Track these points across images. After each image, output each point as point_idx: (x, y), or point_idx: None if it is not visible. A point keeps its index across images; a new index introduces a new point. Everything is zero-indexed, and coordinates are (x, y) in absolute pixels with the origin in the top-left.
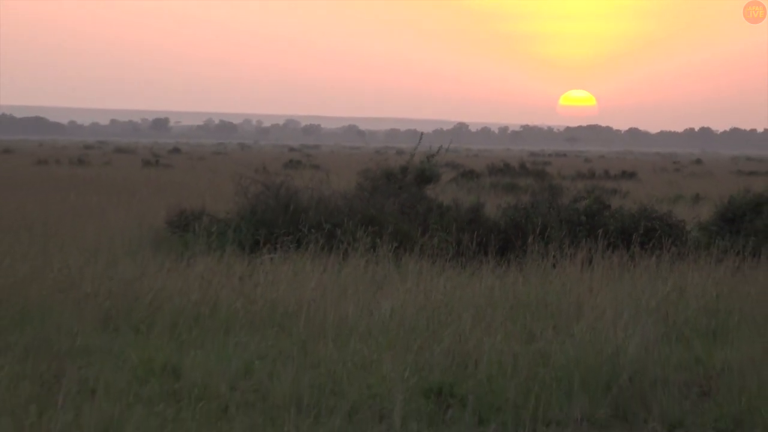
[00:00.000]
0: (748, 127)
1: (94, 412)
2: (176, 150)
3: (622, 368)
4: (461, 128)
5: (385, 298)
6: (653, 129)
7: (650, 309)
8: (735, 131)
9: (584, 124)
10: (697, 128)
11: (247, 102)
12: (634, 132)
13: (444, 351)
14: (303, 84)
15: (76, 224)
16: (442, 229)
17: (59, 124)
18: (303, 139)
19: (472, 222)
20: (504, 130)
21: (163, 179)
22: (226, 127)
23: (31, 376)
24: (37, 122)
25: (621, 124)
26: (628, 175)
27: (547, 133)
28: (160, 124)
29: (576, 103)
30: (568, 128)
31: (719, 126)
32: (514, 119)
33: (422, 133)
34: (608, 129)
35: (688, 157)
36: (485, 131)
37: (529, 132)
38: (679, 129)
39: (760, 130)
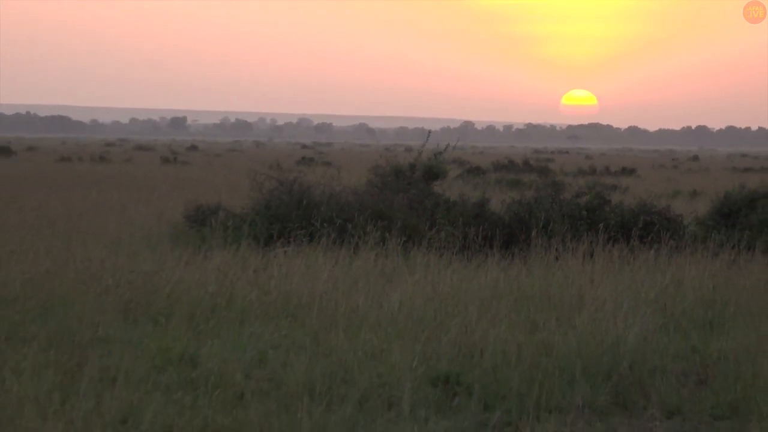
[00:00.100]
0: (743, 126)
1: (114, 400)
2: (194, 147)
3: (622, 357)
4: (467, 126)
5: (394, 290)
6: (652, 127)
7: (649, 300)
8: (731, 129)
9: (585, 122)
10: (694, 126)
11: (261, 101)
12: (633, 130)
13: (451, 341)
14: (315, 84)
15: (98, 219)
16: (448, 224)
17: (81, 123)
18: (315, 137)
19: (478, 216)
20: (508, 128)
21: (181, 176)
22: (241, 125)
23: (54, 365)
24: (60, 121)
25: (621, 123)
26: (628, 171)
27: (550, 131)
28: (178, 122)
29: (577, 103)
30: (570, 126)
31: (715, 124)
32: (518, 118)
33: (430, 131)
34: (608, 127)
35: (685, 155)
36: (490, 129)
37: (532, 130)
38: (677, 127)
39: (754, 128)
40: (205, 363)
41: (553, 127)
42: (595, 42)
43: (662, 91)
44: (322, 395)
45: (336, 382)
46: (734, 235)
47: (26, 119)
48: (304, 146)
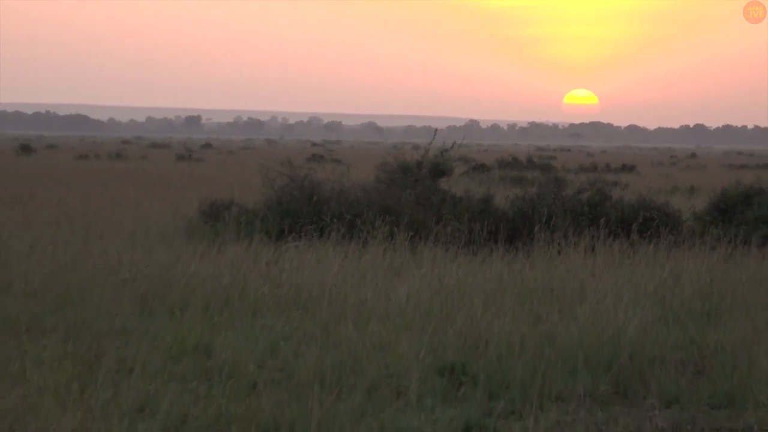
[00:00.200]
0: (739, 124)
1: (131, 389)
2: (208, 145)
3: (623, 348)
4: (473, 125)
5: (401, 283)
6: (651, 125)
7: (648, 293)
8: (727, 128)
9: (587, 121)
10: (692, 125)
11: (273, 100)
12: (633, 128)
13: (457, 332)
14: (325, 84)
15: (115, 215)
16: (454, 219)
17: (99, 121)
18: (325, 135)
19: (483, 212)
20: (512, 126)
21: (195, 173)
22: (254, 123)
23: (73, 355)
24: (79, 119)
25: (621, 121)
26: (628, 168)
27: (553, 130)
28: (193, 121)
29: (579, 102)
30: (572, 125)
31: (712, 123)
32: (522, 116)
33: (436, 130)
34: (609, 125)
35: (683, 152)
36: (495, 128)
37: (535, 128)
38: (675, 125)
39: (750, 126)
40: (219, 353)
41: (555, 126)
42: (595, 43)
43: (661, 91)
44: (332, 385)
45: (345, 372)
46: (731, 230)
47: (46, 118)
48: (314, 144)
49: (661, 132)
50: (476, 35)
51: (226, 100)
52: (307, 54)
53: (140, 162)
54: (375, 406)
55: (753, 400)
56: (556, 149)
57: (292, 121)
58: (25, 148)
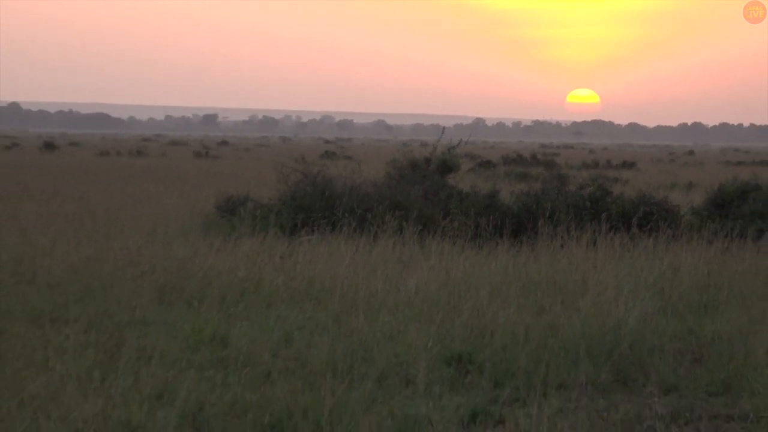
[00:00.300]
0: (736, 122)
1: (150, 377)
2: (224, 143)
3: (623, 338)
4: (479, 123)
5: (410, 276)
6: (651, 124)
7: (648, 285)
8: (724, 126)
9: (589, 119)
10: (690, 123)
11: (287, 99)
12: (633, 126)
13: (463, 323)
14: (337, 83)
15: (135, 210)
16: (461, 214)
17: (120, 120)
18: (337, 133)
19: (489, 207)
20: (517, 124)
21: (212, 169)
22: (268, 122)
23: (95, 345)
24: (100, 118)
25: (622, 119)
26: (628, 165)
27: (556, 128)
28: (210, 119)
29: (581, 101)
30: (574, 123)
31: (710, 121)
32: (526, 115)
33: (444, 128)
34: (610, 124)
35: (682, 149)
36: (500, 126)
37: (539, 126)
38: (674, 124)
39: (746, 124)
40: (235, 343)
41: (558, 124)
42: (597, 44)
43: (660, 90)
44: (343, 373)
45: (357, 361)
46: (727, 224)
47: (69, 116)
48: (326, 141)
49: (661, 130)
50: (482, 37)
51: (242, 99)
52: (319, 55)
53: (159, 159)
54: (385, 393)
55: (749, 388)
56: (560, 146)
57: (305, 119)
58: (49, 146)
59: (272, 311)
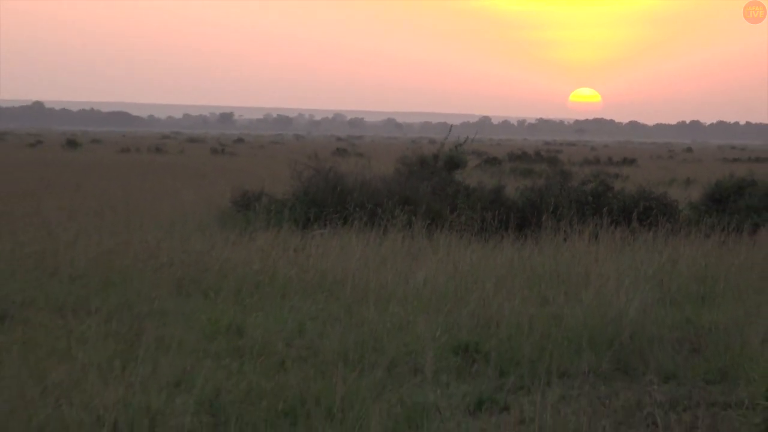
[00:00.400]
0: (732, 121)
1: (169, 366)
2: (240, 140)
3: (624, 328)
4: (485, 121)
5: (419, 268)
6: (650, 122)
7: (648, 277)
8: (721, 124)
9: (591, 117)
10: (688, 121)
11: (301, 98)
12: (633, 124)
13: (470, 313)
14: (349, 83)
15: (154, 204)
16: (468, 208)
17: (140, 118)
18: (349, 131)
19: (494, 202)
20: (522, 122)
21: (228, 165)
22: (283, 120)
23: (115, 334)
24: (121, 116)
25: (622, 118)
26: (629, 161)
27: (559, 126)
28: (226, 117)
29: (583, 100)
30: (576, 121)
31: (707, 119)
32: (531, 113)
33: (451, 126)
34: (611, 122)
35: (680, 147)
36: (506, 124)
37: (543, 124)
38: (673, 122)
39: (742, 123)
40: (251, 333)
41: (561, 122)
42: (599, 46)
43: (660, 90)
44: (354, 362)
45: (367, 351)
46: (724, 219)
47: (91, 115)
48: (338, 139)
49: (660, 128)
50: (488, 38)
51: (257, 98)
52: (332, 56)
53: (178, 156)
54: (394, 381)
55: (744, 376)
56: (563, 144)
57: (318, 117)
58: (72, 143)
59: (286, 302)
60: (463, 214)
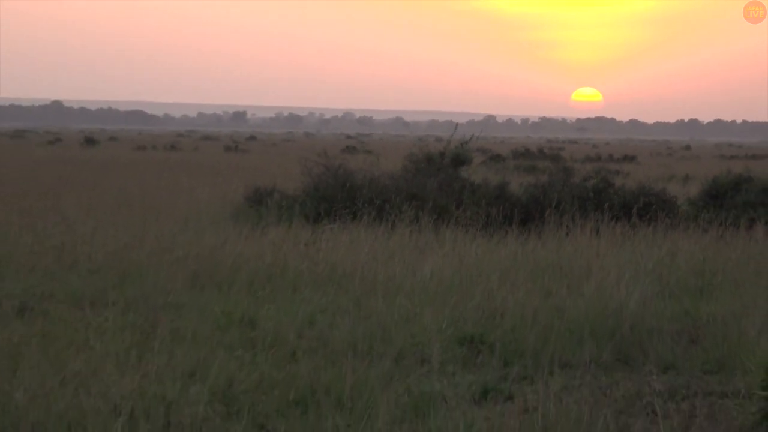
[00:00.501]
0: (729, 119)
1: (184, 356)
2: (252, 138)
3: (624, 320)
4: (490, 119)
5: (426, 261)
6: (650, 120)
7: (647, 270)
8: (719, 122)
9: (592, 116)
10: (686, 119)
11: (311, 97)
12: (634, 123)
13: (475, 306)
14: (358, 82)
15: (169, 200)
16: (473, 204)
17: (155, 116)
18: (358, 129)
19: (499, 198)
20: (525, 121)
21: (241, 162)
22: (294, 118)
23: (132, 326)
24: (137, 115)
25: (623, 116)
26: (629, 158)
27: (561, 124)
28: (239, 116)
29: (585, 99)
30: (578, 119)
31: (705, 117)
32: (534, 112)
33: (457, 124)
34: (612, 120)
35: (679, 144)
36: (510, 122)
37: (546, 123)
38: (672, 120)
39: (739, 121)
40: (263, 324)
41: (564, 120)
42: (600, 46)
43: (659, 89)
44: (363, 353)
45: (376, 342)
46: (721, 214)
47: (108, 113)
48: (348, 137)
49: (659, 126)
50: (493, 39)
51: (269, 97)
52: (341, 56)
53: (192, 153)
54: (402, 371)
55: (741, 367)
56: (565, 141)
57: (328, 116)
58: (89, 141)
59: (297, 295)
60: (468, 209)
